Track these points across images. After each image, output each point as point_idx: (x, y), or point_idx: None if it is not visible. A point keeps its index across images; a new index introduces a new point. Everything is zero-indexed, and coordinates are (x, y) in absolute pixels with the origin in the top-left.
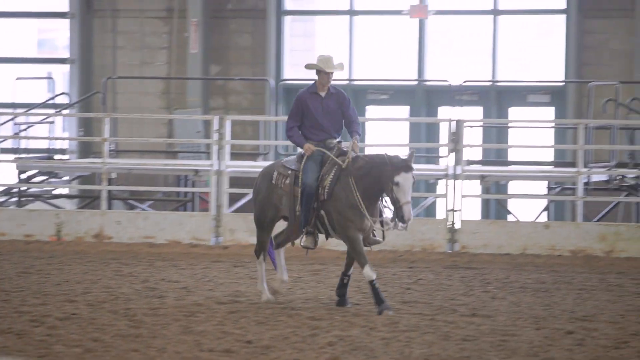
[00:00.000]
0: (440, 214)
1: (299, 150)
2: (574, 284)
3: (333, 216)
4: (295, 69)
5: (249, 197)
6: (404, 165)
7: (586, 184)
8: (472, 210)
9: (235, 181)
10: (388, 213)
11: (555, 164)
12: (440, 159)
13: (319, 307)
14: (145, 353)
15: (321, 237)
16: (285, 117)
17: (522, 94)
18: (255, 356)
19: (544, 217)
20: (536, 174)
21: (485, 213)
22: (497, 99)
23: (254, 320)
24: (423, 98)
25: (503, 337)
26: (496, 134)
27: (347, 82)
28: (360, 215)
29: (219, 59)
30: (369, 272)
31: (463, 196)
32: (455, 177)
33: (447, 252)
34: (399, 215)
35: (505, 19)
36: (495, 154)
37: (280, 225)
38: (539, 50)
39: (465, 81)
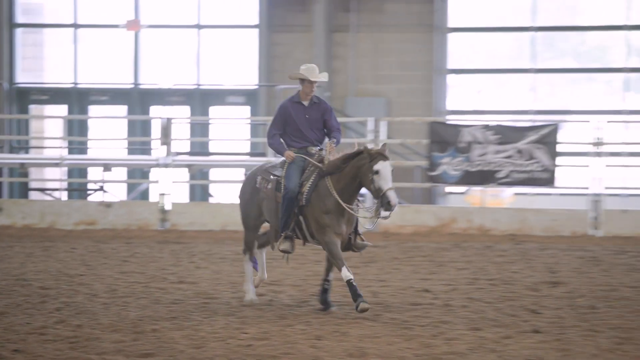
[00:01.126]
0: (153, 197)
1: (281, 158)
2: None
3: (310, 222)
4: (26, 74)
5: None
6: (381, 154)
7: None
8: (180, 194)
9: None
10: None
11: (250, 154)
12: (153, 151)
13: (48, 278)
14: None
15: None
16: (18, 115)
17: (222, 96)
18: None
19: None
20: (234, 162)
21: (192, 196)
22: (200, 99)
23: None
24: (138, 99)
25: (205, 300)
26: (200, 129)
27: (72, 85)
28: (337, 220)
29: None
30: (346, 273)
31: (173, 182)
32: (166, 165)
33: (160, 230)
34: (383, 202)
35: (207, 32)
36: (200, 146)
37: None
38: (236, 59)
39: (174, 85)
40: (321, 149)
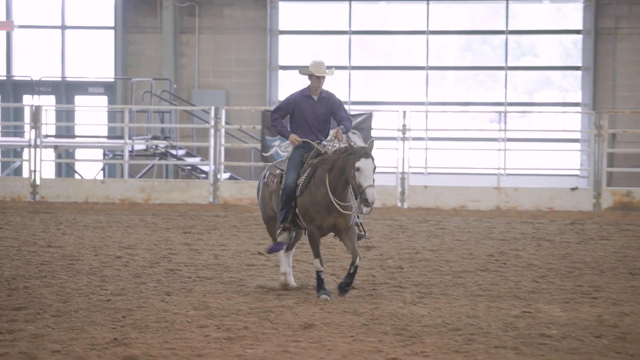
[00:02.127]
0: (25, 173)
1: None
2: (122, 223)
3: (300, 210)
4: None
5: None
6: (363, 152)
7: (131, 151)
8: (49, 171)
9: None
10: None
11: (108, 137)
12: (25, 134)
13: None
14: None
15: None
16: None
17: (84, 87)
18: None
19: (100, 175)
20: (96, 144)
21: (58, 172)
22: (66, 90)
23: None
24: (11, 89)
25: (70, 262)
26: (66, 115)
27: None
28: (322, 213)
29: None
30: (317, 264)
31: (42, 160)
32: (36, 146)
33: (30, 201)
34: (362, 198)
35: (70, 32)
36: (66, 130)
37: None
38: (96, 55)
39: (42, 77)
40: (320, 141)
